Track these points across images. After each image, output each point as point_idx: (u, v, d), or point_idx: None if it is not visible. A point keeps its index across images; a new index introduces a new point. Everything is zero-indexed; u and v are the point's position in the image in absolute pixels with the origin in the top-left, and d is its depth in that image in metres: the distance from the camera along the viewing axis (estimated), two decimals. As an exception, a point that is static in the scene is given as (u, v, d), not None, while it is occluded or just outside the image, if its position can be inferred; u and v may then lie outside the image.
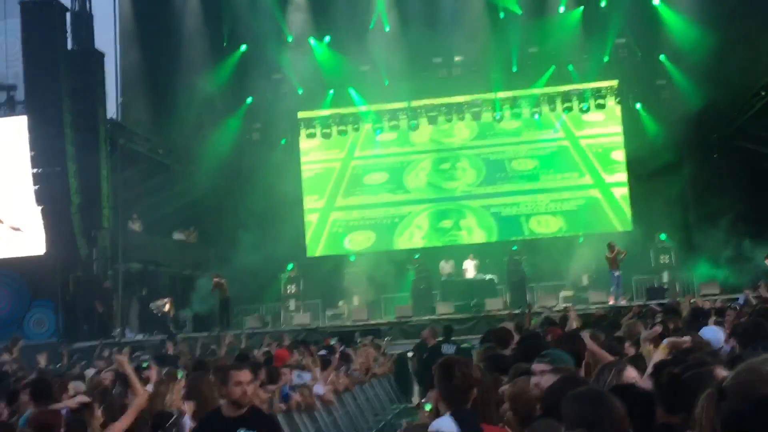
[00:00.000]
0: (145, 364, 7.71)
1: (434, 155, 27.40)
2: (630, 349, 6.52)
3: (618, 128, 26.29)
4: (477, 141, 27.22)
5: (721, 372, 3.30)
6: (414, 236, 26.75)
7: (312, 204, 27.28)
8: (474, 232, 26.52)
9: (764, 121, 22.72)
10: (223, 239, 24.99)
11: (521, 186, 26.59)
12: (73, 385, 7.89)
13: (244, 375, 5.44)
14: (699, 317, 8.37)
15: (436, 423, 3.47)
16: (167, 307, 20.75)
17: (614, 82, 26.14)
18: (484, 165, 26.93)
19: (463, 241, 26.24)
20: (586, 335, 5.66)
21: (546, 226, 26.21)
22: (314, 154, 27.62)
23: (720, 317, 8.77)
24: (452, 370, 4.12)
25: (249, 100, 26.65)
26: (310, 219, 27.19)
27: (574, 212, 26.12)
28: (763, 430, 1.53)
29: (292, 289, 24.14)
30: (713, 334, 6.04)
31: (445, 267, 24.11)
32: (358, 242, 26.77)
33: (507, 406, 4.35)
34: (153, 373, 7.41)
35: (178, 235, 25.53)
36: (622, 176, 25.96)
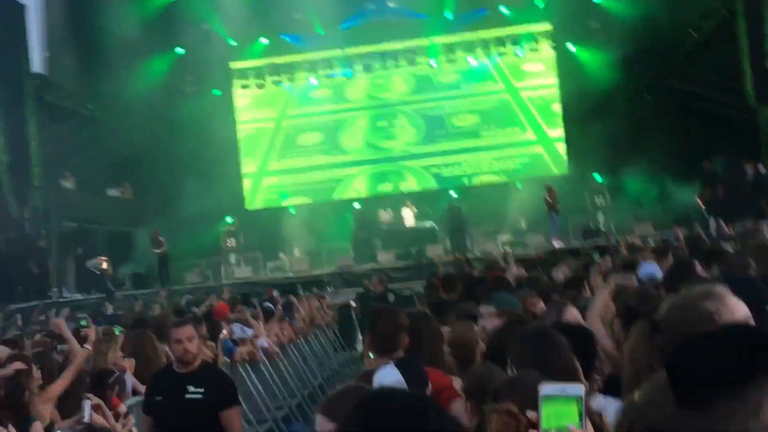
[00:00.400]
0: (83, 323, 7.59)
1: (371, 112, 26.78)
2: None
3: (551, 73, 26.18)
4: (415, 96, 26.54)
5: None
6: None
7: (245, 168, 26.70)
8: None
9: (695, 61, 23.14)
10: (160, 194, 24.52)
11: (462, 144, 26.08)
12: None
13: (184, 331, 5.31)
14: (635, 255, 8.50)
15: (380, 374, 3.47)
16: (104, 265, 20.38)
17: (548, 26, 26.15)
18: (423, 122, 26.29)
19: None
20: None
21: None
22: (246, 113, 26.94)
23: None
24: (377, 319, 4.17)
25: (180, 51, 26.00)
26: (244, 184, 26.63)
27: (517, 170, 25.82)
28: (705, 367, 1.54)
29: (231, 242, 23.88)
30: (652, 269, 6.12)
31: (384, 216, 24.11)
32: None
33: (447, 350, 4.38)
34: (91, 332, 7.28)
35: (112, 191, 25.00)
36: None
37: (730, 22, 20.12)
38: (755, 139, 20.22)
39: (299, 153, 26.67)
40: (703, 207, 18.61)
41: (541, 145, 26.04)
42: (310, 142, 26.73)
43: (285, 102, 27.01)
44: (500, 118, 26.12)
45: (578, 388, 1.84)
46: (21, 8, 21.00)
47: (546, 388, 1.82)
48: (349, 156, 26.56)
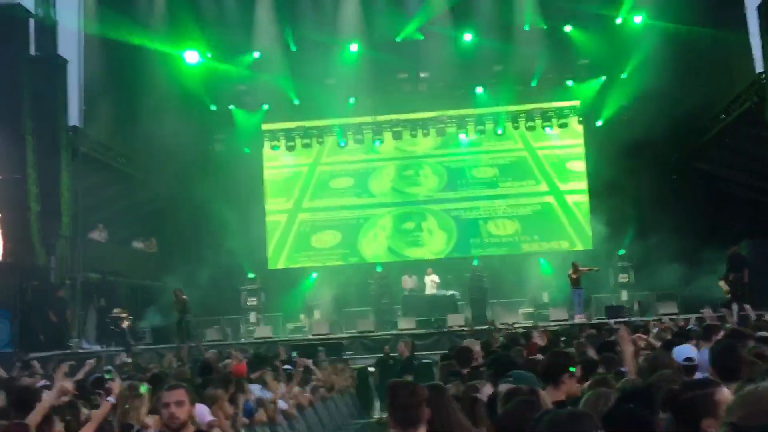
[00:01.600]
0: (108, 375, 7.59)
1: (398, 162, 27.51)
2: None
3: (577, 141, 26.63)
4: (439, 150, 27.38)
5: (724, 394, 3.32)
6: (378, 236, 26.82)
7: (279, 206, 27.18)
8: (435, 233, 26.74)
9: (722, 144, 23.20)
10: (184, 250, 24.72)
11: (480, 192, 26.97)
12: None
13: (173, 395, 4.88)
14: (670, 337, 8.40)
15: None
16: (125, 323, 20.38)
17: (576, 102, 26.43)
18: (446, 172, 27.21)
19: (425, 241, 26.60)
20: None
21: (503, 229, 26.55)
22: (281, 159, 27.51)
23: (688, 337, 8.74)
24: (396, 391, 4.10)
25: (213, 107, 26.48)
26: (279, 219, 27.02)
27: (529, 216, 26.52)
28: None
29: (252, 301, 23.95)
30: (690, 352, 5.99)
31: (408, 281, 24.11)
32: (324, 241, 26.75)
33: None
34: (115, 385, 7.28)
35: (137, 245, 25.22)
36: (578, 185, 26.43)
37: (759, 108, 20.21)
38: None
39: (331, 194, 27.29)
40: (726, 291, 18.40)
41: (553, 195, 26.78)
42: (341, 185, 27.37)
43: (317, 153, 27.46)
44: (516, 172, 26.99)
45: None
46: (64, 63, 21.56)
47: None
48: (377, 198, 27.25)
